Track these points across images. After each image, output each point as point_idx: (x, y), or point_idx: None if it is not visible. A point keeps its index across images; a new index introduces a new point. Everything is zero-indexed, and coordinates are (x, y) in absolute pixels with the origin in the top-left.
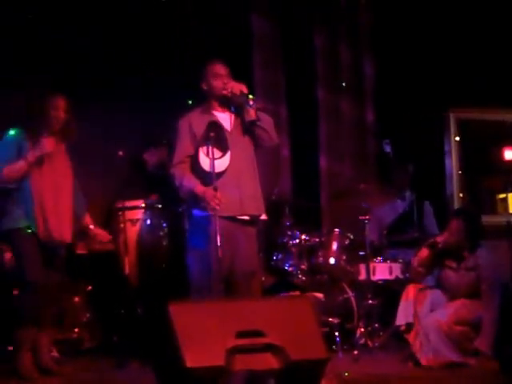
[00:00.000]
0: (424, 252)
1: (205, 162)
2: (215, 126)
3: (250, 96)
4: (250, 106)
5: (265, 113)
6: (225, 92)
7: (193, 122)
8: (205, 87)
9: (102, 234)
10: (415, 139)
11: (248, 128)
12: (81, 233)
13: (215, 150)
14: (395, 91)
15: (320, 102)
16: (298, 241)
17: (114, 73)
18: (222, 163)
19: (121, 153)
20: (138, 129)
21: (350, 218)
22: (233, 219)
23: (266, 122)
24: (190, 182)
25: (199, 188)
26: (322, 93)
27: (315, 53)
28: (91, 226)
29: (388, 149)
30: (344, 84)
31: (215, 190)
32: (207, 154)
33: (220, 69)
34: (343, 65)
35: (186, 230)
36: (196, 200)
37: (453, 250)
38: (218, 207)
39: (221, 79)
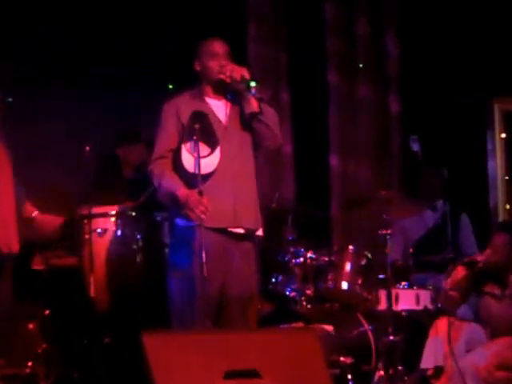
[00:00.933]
0: (459, 272)
1: (188, 161)
2: (201, 115)
3: (253, 83)
4: (252, 95)
5: (269, 105)
6: (222, 76)
7: (181, 108)
8: (198, 68)
9: (51, 219)
10: (450, 135)
11: (247, 122)
12: (27, 226)
13: (202, 146)
14: (425, 75)
15: (331, 86)
16: (302, 260)
17: (79, 53)
18: (210, 162)
19: (88, 149)
20: (109, 120)
21: (368, 233)
22: (225, 232)
23: (270, 116)
24: (171, 183)
25: (181, 191)
26: (334, 75)
27: (325, 27)
28: (34, 214)
29: (416, 147)
30: (361, 65)
31: (200, 194)
32: (191, 151)
33: (218, 47)
34: (360, 42)
35: (165, 243)
36: (178, 206)
37: (496, 272)
38: (203, 215)
39: (218, 60)
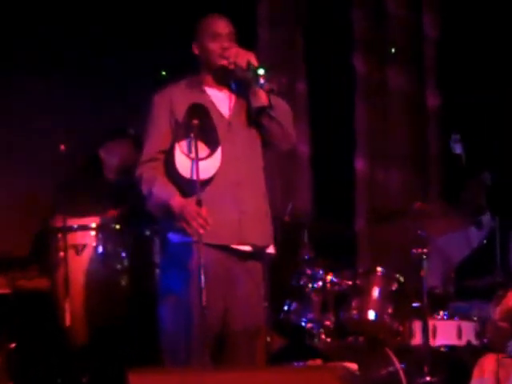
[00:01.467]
0: (511, 299)
1: (183, 164)
2: (200, 109)
3: (261, 71)
4: (261, 85)
5: (282, 98)
6: (224, 62)
7: (175, 100)
8: (196, 51)
9: None
10: (499, 136)
11: (255, 117)
12: None
13: (200, 146)
14: (469, 63)
15: (357, 75)
16: (320, 284)
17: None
18: (209, 166)
19: (63, 147)
20: (89, 113)
21: (400, 252)
22: (228, 250)
23: (282, 111)
24: (164, 191)
25: (176, 200)
26: (361, 62)
27: (350, 4)
28: None
29: (458, 149)
30: (393, 50)
31: (199, 204)
32: (187, 152)
33: (220, 26)
34: (392, 22)
35: (156, 263)
36: (171, 218)
37: None
38: (202, 230)
39: (220, 42)
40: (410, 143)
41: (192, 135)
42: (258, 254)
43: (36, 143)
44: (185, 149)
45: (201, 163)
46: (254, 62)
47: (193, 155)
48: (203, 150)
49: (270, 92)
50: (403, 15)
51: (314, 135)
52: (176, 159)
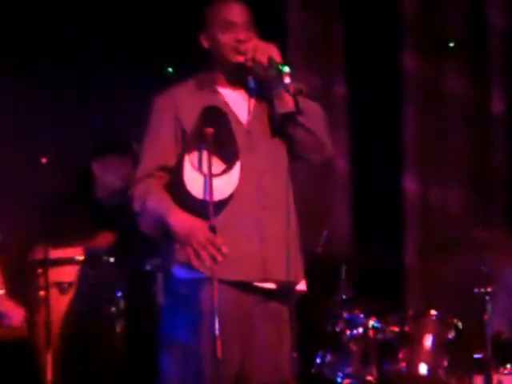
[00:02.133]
0: None
1: (193, 182)
2: (216, 113)
3: (286, 68)
4: (286, 86)
5: (311, 99)
6: (240, 58)
7: (182, 103)
8: (206, 44)
9: (13, 313)
10: None
11: (280, 125)
12: None
13: (214, 159)
14: None
15: (406, 74)
16: (361, 331)
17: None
18: (226, 184)
19: (44, 160)
20: (78, 118)
21: (458, 291)
22: (247, 288)
23: (314, 116)
24: (159, 204)
25: (177, 218)
26: (411, 58)
27: None
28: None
29: None
30: (452, 44)
31: (213, 231)
32: (198, 167)
33: (234, 13)
34: (450, 10)
35: (159, 305)
36: (170, 239)
37: None
38: (212, 263)
39: (234, 33)
40: (470, 158)
41: (206, 146)
42: (284, 292)
43: (13, 154)
44: (196, 162)
45: (215, 181)
46: (278, 56)
47: (205, 171)
48: (218, 164)
49: (297, 94)
50: (465, 4)
51: (354, 147)
52: (185, 175)
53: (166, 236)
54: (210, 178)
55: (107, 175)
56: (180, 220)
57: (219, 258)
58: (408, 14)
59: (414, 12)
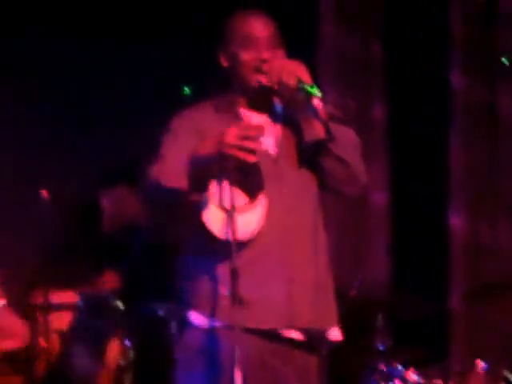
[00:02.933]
0: None
1: (213, 217)
2: None
3: (317, 91)
4: (315, 111)
5: (345, 125)
6: (264, 79)
7: (202, 126)
8: (225, 63)
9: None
10: None
11: (309, 154)
12: None
13: (236, 194)
14: None
15: (454, 95)
16: None
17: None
18: (249, 221)
19: (45, 193)
20: (80, 148)
21: (511, 340)
22: (272, 338)
23: (347, 144)
24: (179, 167)
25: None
26: (459, 76)
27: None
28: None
29: None
30: (506, 60)
31: (234, 274)
32: (219, 202)
33: (257, 28)
34: (504, 24)
35: (172, 357)
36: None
37: None
38: (253, 157)
39: (257, 51)
40: None
41: (227, 179)
42: (314, 343)
43: (10, 186)
44: (215, 196)
45: (238, 217)
46: (307, 78)
47: (227, 206)
48: (240, 197)
49: (329, 119)
50: None
51: (394, 178)
52: (203, 211)
53: (197, 181)
54: (231, 214)
55: (117, 208)
56: (205, 143)
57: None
58: (457, 30)
59: (463, 27)
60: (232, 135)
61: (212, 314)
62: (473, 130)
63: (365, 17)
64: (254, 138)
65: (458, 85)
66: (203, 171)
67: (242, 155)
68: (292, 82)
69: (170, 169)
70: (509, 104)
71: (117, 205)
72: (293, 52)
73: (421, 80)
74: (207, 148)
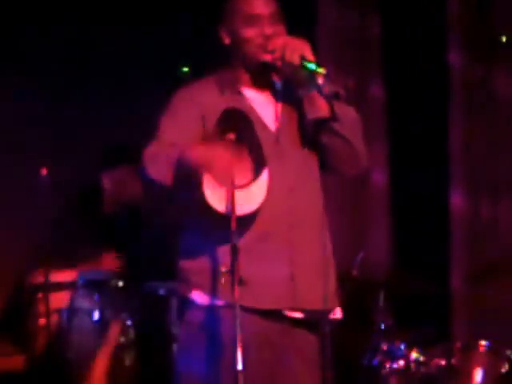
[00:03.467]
0: None
1: (214, 194)
2: (239, 117)
3: (320, 69)
4: (320, 88)
5: (347, 104)
6: (267, 56)
7: (205, 103)
8: (227, 40)
9: None
10: None
11: (312, 132)
12: None
13: (238, 170)
14: None
15: (453, 75)
16: (402, 363)
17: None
18: (252, 197)
19: (45, 171)
20: (81, 126)
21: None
22: (274, 316)
23: (350, 123)
24: (174, 149)
25: (194, 148)
26: (458, 56)
27: None
28: None
29: None
30: (504, 39)
31: (234, 251)
32: (221, 178)
33: (259, 5)
34: (501, 4)
35: (174, 334)
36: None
37: None
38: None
39: (259, 27)
40: None
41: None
42: (316, 321)
43: (10, 164)
44: (218, 172)
45: (239, 193)
46: (310, 55)
47: (228, 183)
48: (242, 174)
49: (332, 98)
50: None
51: (394, 158)
52: (205, 186)
53: (183, 180)
54: (231, 190)
55: (118, 188)
56: (199, 150)
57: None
58: (454, 9)
59: (460, 6)
60: (222, 164)
61: (213, 293)
62: (471, 108)
63: None
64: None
65: (456, 63)
66: (187, 173)
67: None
68: (296, 60)
69: (161, 158)
70: (506, 82)
71: (118, 185)
72: (292, 30)
73: (419, 59)
74: (196, 156)
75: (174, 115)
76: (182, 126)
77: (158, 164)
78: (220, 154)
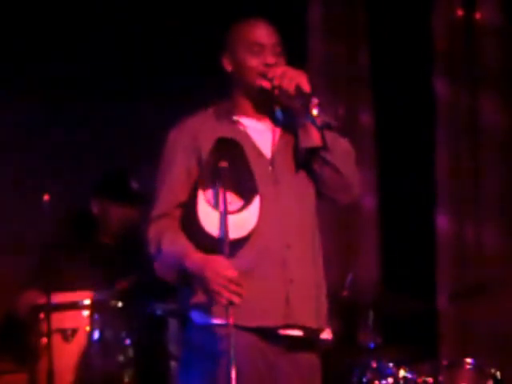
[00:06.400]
0: None
1: (208, 218)
2: (230, 145)
3: (315, 99)
4: (312, 118)
5: (341, 135)
6: (266, 83)
7: (201, 135)
8: (229, 67)
9: None
10: None
11: (304, 160)
12: None
13: (231, 196)
14: None
15: (438, 102)
16: (391, 381)
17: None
18: (243, 222)
19: (47, 197)
20: (88, 151)
21: (496, 338)
22: (270, 336)
23: (342, 153)
24: (175, 245)
25: (194, 259)
26: (443, 85)
27: (429, 10)
28: None
29: None
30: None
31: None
32: (213, 204)
33: (264, 35)
34: (484, 33)
35: (172, 354)
36: (188, 283)
37: None
38: (237, 299)
39: (262, 57)
40: (509, 192)
41: (220, 181)
42: (310, 341)
43: (10, 190)
44: (211, 199)
45: (232, 217)
46: (306, 86)
47: (221, 208)
48: (235, 200)
49: (324, 128)
50: (498, 24)
51: (383, 183)
52: (199, 210)
53: (184, 280)
54: (224, 215)
55: (113, 214)
56: (196, 260)
57: (241, 293)
58: (439, 39)
59: (445, 37)
60: (219, 275)
61: (210, 312)
62: (457, 134)
63: (351, 29)
64: (236, 286)
65: (442, 91)
66: (182, 273)
67: (227, 295)
68: (291, 89)
69: (164, 253)
70: (490, 110)
71: (102, 213)
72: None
73: (406, 88)
74: (194, 264)
75: (169, 169)
76: (175, 178)
77: (162, 264)
78: (213, 266)
